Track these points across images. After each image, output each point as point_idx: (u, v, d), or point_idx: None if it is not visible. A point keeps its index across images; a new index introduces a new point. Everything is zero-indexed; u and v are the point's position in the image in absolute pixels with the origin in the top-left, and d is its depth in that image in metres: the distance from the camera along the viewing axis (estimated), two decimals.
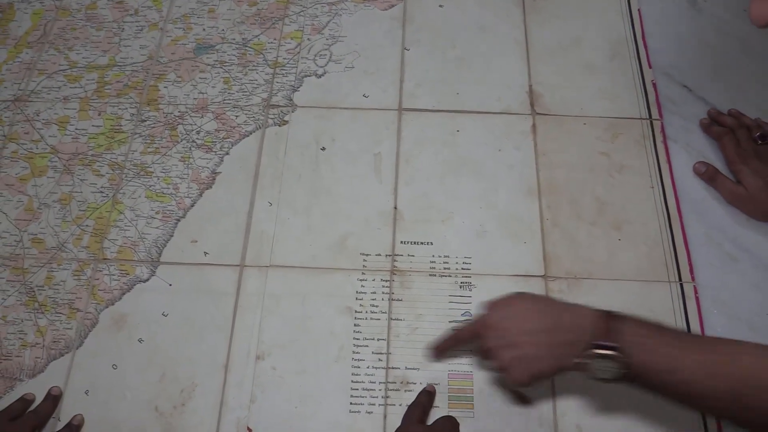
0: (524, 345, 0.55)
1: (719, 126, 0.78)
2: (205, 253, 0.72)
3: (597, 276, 0.70)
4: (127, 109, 0.82)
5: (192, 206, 0.75)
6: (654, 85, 0.82)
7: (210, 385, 0.65)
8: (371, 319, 0.68)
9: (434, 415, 0.63)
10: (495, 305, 0.59)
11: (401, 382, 0.65)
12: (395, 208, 0.74)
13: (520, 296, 0.59)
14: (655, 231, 0.72)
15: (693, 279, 0.70)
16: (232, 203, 0.75)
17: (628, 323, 0.53)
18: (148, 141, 0.80)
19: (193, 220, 0.74)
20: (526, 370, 0.55)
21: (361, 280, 0.70)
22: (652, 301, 0.68)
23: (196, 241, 0.73)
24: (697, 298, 0.69)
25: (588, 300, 0.67)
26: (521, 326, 0.55)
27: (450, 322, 0.68)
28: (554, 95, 0.81)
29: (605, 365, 0.51)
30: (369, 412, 0.64)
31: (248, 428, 0.63)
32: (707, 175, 0.75)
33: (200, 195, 0.76)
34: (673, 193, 0.75)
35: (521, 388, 0.62)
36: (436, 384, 0.65)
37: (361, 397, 0.64)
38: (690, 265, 0.70)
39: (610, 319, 0.53)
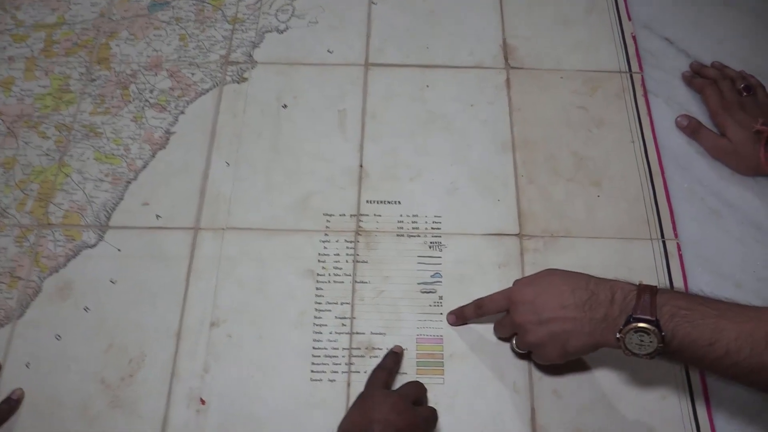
0: (560, 321, 0.52)
1: (702, 78, 0.73)
2: (158, 216, 0.66)
3: (575, 234, 0.65)
4: (75, 68, 0.76)
5: (144, 168, 0.69)
6: (634, 37, 0.77)
7: (160, 354, 0.60)
8: (334, 282, 0.63)
9: (401, 382, 0.58)
10: (526, 280, 0.56)
11: (366, 348, 0.60)
12: (361, 166, 0.69)
13: (552, 271, 0.56)
14: (635, 187, 0.68)
15: (676, 236, 0.65)
16: (186, 164, 0.69)
17: (666, 295, 0.50)
18: (98, 101, 0.74)
19: (144, 182, 0.68)
20: (562, 348, 0.53)
21: (323, 241, 0.65)
22: (633, 260, 0.64)
23: (148, 204, 0.67)
24: (680, 256, 0.64)
25: (565, 259, 0.64)
26: (557, 301, 0.52)
27: (419, 284, 0.63)
28: (529, 48, 0.76)
29: (643, 340, 0.48)
30: (331, 380, 0.59)
31: (201, 399, 0.58)
32: (690, 128, 0.70)
33: (153, 156, 0.70)
34: (654, 147, 0.70)
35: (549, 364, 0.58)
36: (405, 349, 0.60)
37: (322, 364, 0.59)
38: (673, 221, 0.66)
39: (647, 292, 0.50)
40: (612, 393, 0.58)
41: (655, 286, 0.51)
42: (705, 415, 0.57)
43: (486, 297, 0.59)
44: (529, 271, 0.63)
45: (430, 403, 0.57)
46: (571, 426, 0.57)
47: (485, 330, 0.60)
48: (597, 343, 0.52)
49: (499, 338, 0.60)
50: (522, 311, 0.54)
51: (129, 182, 0.69)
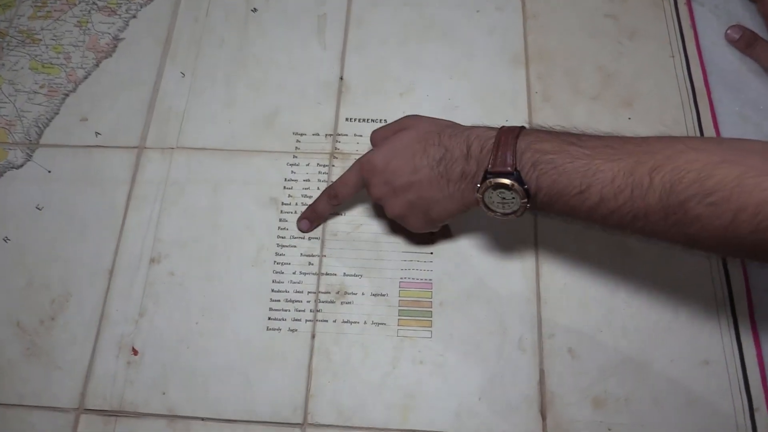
0: (415, 187, 0.42)
1: None
2: (97, 134, 0.54)
3: None
4: None
5: (85, 78, 0.57)
6: None
7: (88, 294, 0.48)
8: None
9: (384, 334, 0.46)
10: (380, 140, 0.46)
11: (337, 293, 0.47)
12: (341, 78, 0.56)
13: (410, 122, 0.45)
14: (675, 109, 0.54)
15: None
16: (135, 74, 0.56)
17: (530, 138, 0.39)
18: (39, 4, 0.61)
19: (85, 94, 0.56)
20: (425, 216, 0.44)
21: (291, 164, 0.52)
22: None
23: (87, 120, 0.55)
24: None
25: None
26: (409, 165, 0.42)
27: None
28: None
29: (505, 197, 0.39)
30: (292, 330, 0.46)
31: (133, 349, 0.46)
32: (744, 41, 0.56)
33: (96, 65, 0.57)
34: (699, 64, 0.56)
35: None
36: (383, 295, 0.47)
37: (283, 310, 0.47)
38: None
39: (508, 137, 0.39)
40: (641, 354, 0.45)
41: (521, 127, 0.39)
42: (759, 383, 0.44)
43: (337, 180, 0.47)
44: None
45: (414, 364, 0.45)
46: (590, 393, 0.44)
47: (485, 273, 0.48)
48: (461, 205, 0.42)
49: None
50: (375, 184, 0.44)
51: (67, 95, 0.56)
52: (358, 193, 0.46)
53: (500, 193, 0.38)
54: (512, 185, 0.37)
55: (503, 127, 0.40)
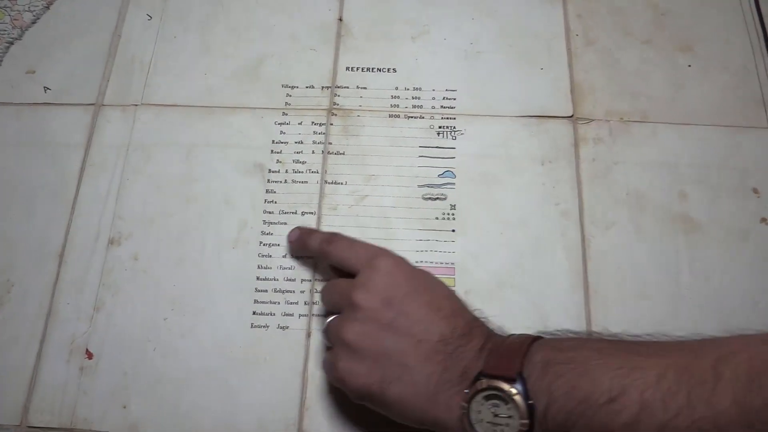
0: (414, 341, 0.30)
1: None
2: (46, 89, 0.44)
3: (655, 118, 0.41)
4: None
5: (33, 24, 0.46)
6: None
7: (33, 284, 0.38)
8: (294, 181, 0.40)
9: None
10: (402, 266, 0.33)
11: None
12: (340, 19, 0.45)
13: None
14: (744, 54, 0.44)
15: None
16: (91, 18, 0.46)
17: (549, 341, 0.29)
18: None
19: (32, 43, 0.46)
20: (378, 383, 0.30)
21: (281, 123, 0.42)
22: (743, 156, 0.40)
23: (34, 72, 0.44)
24: None
25: (642, 153, 0.40)
26: (433, 306, 0.31)
27: (421, 186, 0.40)
28: None
29: (498, 413, 0.27)
30: (283, 327, 0.37)
31: (87, 351, 0.37)
32: None
33: (47, 8, 0.47)
34: None
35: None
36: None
37: (271, 303, 0.37)
38: None
39: (522, 337, 0.29)
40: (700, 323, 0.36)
41: (538, 337, 0.30)
42: None
43: (347, 237, 0.35)
44: (587, 170, 0.40)
45: None
46: None
47: (519, 254, 0.38)
48: (430, 418, 0.29)
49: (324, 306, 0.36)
50: (377, 286, 0.31)
51: (11, 43, 0.46)
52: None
53: (492, 406, 0.27)
54: (510, 394, 0.27)
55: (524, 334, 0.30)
